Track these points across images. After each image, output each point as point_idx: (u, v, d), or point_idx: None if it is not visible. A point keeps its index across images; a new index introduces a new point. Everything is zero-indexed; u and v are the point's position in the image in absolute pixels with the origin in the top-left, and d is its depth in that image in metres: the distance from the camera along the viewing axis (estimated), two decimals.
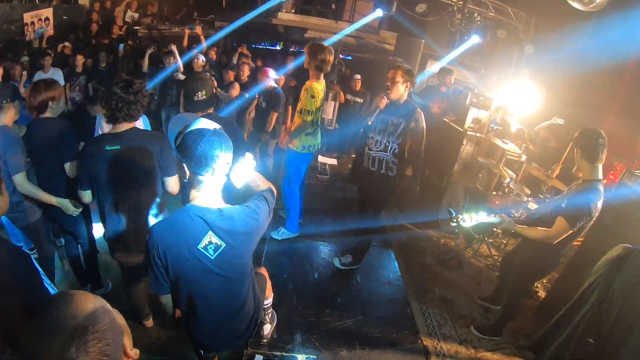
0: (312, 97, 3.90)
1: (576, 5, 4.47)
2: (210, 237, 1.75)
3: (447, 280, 4.48)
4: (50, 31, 8.14)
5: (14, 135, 2.82)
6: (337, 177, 6.81)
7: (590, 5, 4.36)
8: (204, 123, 1.71)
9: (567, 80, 6.89)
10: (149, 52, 6.78)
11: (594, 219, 2.82)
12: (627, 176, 3.45)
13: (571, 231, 2.83)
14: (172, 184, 2.68)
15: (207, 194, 1.78)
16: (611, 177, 5.37)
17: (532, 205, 4.25)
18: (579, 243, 4.15)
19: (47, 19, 8.20)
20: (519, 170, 5.56)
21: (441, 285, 4.38)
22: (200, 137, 1.66)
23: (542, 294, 4.54)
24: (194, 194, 1.79)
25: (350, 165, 7.43)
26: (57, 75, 6.14)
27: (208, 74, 5.78)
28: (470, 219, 3.03)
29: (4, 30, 7.37)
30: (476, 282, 4.50)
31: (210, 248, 1.76)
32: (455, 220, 3.07)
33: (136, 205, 2.62)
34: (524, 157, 5.52)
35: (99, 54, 7.18)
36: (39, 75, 5.85)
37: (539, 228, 3.03)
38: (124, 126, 2.52)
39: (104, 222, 2.71)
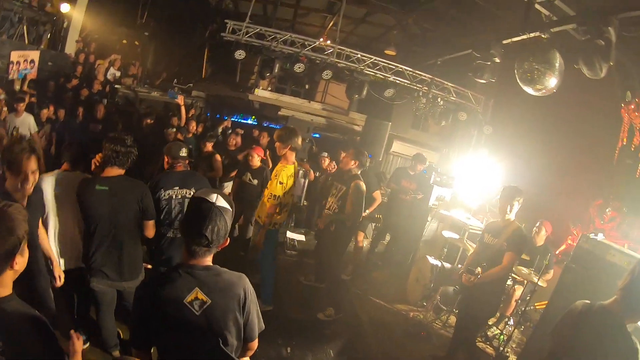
0: (280, 183, 4.14)
1: (529, 90, 4.90)
2: (197, 293, 1.71)
3: (418, 353, 4.40)
4: (33, 74, 7.96)
5: None
6: (305, 252, 6.76)
7: (542, 91, 4.78)
8: (212, 194, 1.72)
9: (522, 159, 7.35)
10: (147, 121, 6.84)
11: None
12: (584, 240, 3.62)
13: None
14: (149, 227, 3.02)
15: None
16: (569, 241, 5.50)
17: None
18: (544, 306, 4.20)
19: (32, 61, 8.01)
20: None
21: (413, 358, 4.31)
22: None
23: (512, 358, 4.54)
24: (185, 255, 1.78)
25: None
26: (29, 120, 5.96)
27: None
28: None
29: None
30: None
31: (195, 304, 1.70)
32: None
33: (119, 239, 2.89)
34: None
35: (77, 107, 7.02)
36: (11, 119, 5.76)
37: (495, 268, 3.59)
38: (115, 171, 2.87)
39: (87, 252, 2.91)
